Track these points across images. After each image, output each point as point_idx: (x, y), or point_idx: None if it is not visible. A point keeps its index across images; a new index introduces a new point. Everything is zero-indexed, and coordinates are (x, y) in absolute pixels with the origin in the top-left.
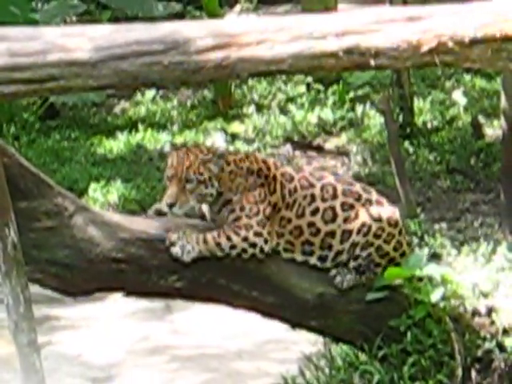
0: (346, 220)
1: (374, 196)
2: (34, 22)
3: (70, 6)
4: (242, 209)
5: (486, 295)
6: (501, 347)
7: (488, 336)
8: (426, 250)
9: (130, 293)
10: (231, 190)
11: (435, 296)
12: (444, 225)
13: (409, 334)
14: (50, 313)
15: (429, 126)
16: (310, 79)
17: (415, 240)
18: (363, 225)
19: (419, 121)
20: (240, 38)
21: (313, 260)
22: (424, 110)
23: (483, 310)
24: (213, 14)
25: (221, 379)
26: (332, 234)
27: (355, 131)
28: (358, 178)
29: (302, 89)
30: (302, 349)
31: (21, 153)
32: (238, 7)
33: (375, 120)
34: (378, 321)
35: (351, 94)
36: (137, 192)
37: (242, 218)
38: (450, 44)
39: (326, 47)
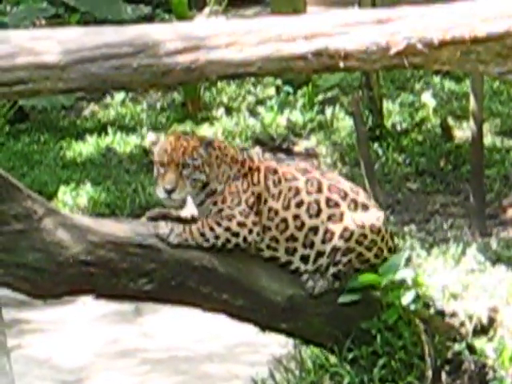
0: (330, 218)
1: (361, 198)
2: (2, 25)
3: (38, 9)
4: (224, 200)
5: (455, 297)
6: (471, 349)
7: (458, 338)
8: (406, 254)
9: (99, 296)
10: (217, 179)
11: (406, 299)
12: (413, 227)
13: (379, 336)
14: (19, 316)
15: (398, 128)
16: (279, 82)
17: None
18: (345, 229)
19: (388, 123)
20: (209, 41)
21: (296, 260)
22: (393, 112)
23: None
24: (182, 17)
25: (191, 382)
26: (315, 229)
27: (324, 133)
28: None
29: (272, 91)
30: (272, 351)
31: None
32: (206, 10)
33: (345, 122)
34: (348, 323)
35: (320, 97)
36: (106, 195)
37: (224, 210)
38: (419, 46)
39: (295, 50)
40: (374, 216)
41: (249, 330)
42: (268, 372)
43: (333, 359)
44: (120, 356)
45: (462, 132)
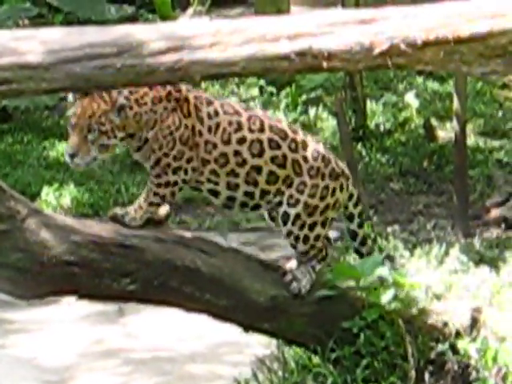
0: (273, 160)
1: (300, 136)
2: None
3: (22, 9)
4: (160, 147)
5: (438, 297)
6: (454, 349)
7: (441, 338)
8: (383, 255)
9: (82, 296)
10: (145, 130)
11: (386, 297)
12: (397, 227)
13: (362, 336)
14: (3, 316)
15: (381, 128)
16: (262, 82)
17: (368, 242)
18: (287, 177)
19: (372, 123)
20: (193, 41)
21: (239, 196)
22: (377, 113)
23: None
24: (165, 17)
25: (174, 382)
26: (258, 169)
27: (308, 134)
28: None
29: (255, 91)
30: (255, 351)
31: None
32: (190, 10)
33: (328, 122)
34: (330, 323)
35: (304, 97)
36: (90, 195)
37: (161, 160)
38: (403, 46)
39: (279, 50)
40: (312, 154)
41: (232, 330)
42: (251, 372)
43: (316, 360)
44: (103, 356)
45: (445, 132)
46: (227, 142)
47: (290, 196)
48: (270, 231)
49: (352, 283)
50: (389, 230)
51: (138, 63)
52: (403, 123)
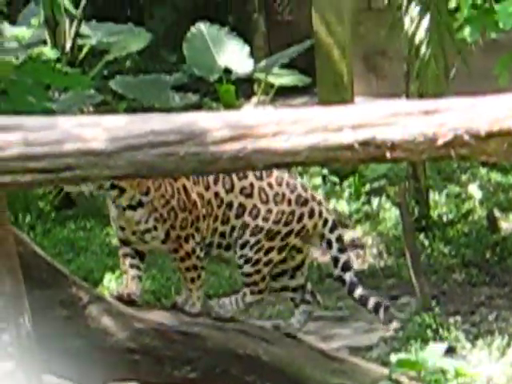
0: (241, 191)
1: None
2: (50, 112)
3: (86, 96)
4: (164, 219)
5: None
6: None
7: None
8: (444, 345)
9: (143, 383)
10: (133, 189)
11: None
12: (459, 318)
13: None
14: None
15: (444, 219)
16: (325, 171)
17: (430, 333)
18: (254, 206)
19: (435, 214)
20: (256, 130)
21: (216, 239)
22: (439, 203)
23: None
24: (229, 106)
25: None
26: (230, 204)
27: (371, 224)
28: (373, 270)
29: (318, 181)
30: None
31: (36, 242)
32: (254, 99)
33: (391, 213)
34: None
35: (367, 187)
36: (151, 282)
37: (170, 233)
38: (466, 137)
39: (342, 139)
40: (277, 180)
41: None
42: None
43: None
44: None
45: (508, 224)
46: (207, 188)
47: (256, 226)
48: (331, 321)
49: (413, 373)
50: (451, 320)
51: (201, 151)
52: (466, 214)
